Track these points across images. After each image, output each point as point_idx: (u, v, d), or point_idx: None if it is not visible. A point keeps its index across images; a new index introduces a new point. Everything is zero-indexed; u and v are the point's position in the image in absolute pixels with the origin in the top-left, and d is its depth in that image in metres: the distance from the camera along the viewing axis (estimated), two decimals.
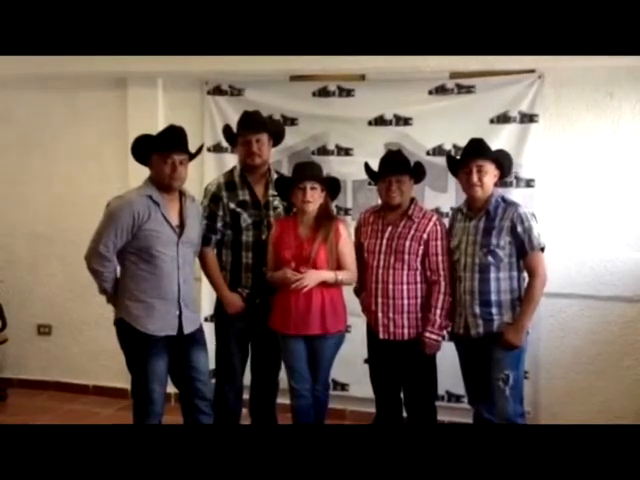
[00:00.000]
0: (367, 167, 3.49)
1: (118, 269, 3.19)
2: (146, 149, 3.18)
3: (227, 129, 3.64)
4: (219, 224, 3.50)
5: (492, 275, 3.22)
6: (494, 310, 3.22)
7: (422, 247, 3.33)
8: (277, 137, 3.64)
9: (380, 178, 3.40)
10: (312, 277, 3.29)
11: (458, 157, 3.44)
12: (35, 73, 4.58)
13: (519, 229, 3.18)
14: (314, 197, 3.32)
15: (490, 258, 3.20)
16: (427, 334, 3.31)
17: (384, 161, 3.43)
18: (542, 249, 3.24)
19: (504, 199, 3.30)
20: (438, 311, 3.31)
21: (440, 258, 3.33)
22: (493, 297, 3.22)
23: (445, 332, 3.43)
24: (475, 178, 3.23)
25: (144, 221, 3.08)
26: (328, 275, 3.32)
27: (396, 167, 3.36)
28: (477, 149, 3.29)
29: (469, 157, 3.28)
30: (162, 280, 3.14)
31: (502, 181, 3.47)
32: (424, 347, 3.32)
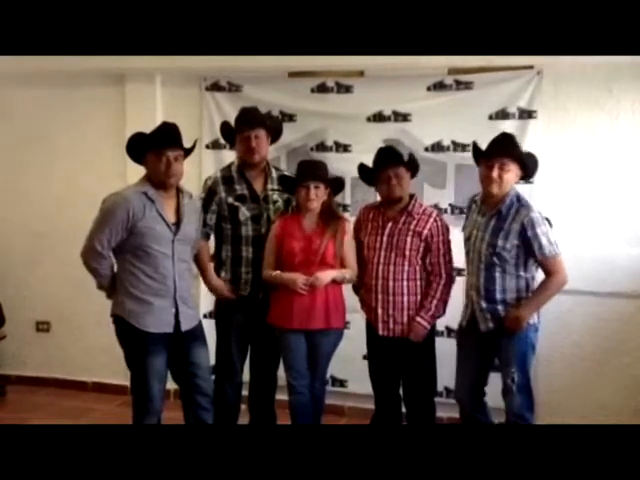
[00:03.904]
0: (361, 168, 3.47)
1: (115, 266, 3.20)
2: (141, 147, 3.17)
3: (225, 126, 3.63)
4: (216, 217, 3.51)
5: (497, 274, 3.18)
6: (500, 307, 3.20)
7: (423, 243, 3.33)
8: (275, 133, 3.62)
9: (377, 173, 3.38)
10: (324, 278, 3.30)
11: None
12: (33, 70, 4.56)
13: (529, 233, 3.09)
14: (317, 195, 3.34)
15: (495, 259, 3.16)
16: (418, 319, 3.32)
17: (379, 156, 3.41)
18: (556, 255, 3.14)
19: (519, 199, 3.19)
20: (435, 301, 3.33)
21: (441, 253, 3.34)
22: (498, 295, 3.20)
23: (436, 321, 3.42)
24: (495, 174, 3.12)
25: (139, 218, 3.07)
26: (336, 274, 3.34)
27: (391, 159, 3.34)
28: (505, 146, 3.16)
29: (495, 152, 3.15)
30: (157, 277, 3.13)
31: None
32: (411, 330, 3.33)
